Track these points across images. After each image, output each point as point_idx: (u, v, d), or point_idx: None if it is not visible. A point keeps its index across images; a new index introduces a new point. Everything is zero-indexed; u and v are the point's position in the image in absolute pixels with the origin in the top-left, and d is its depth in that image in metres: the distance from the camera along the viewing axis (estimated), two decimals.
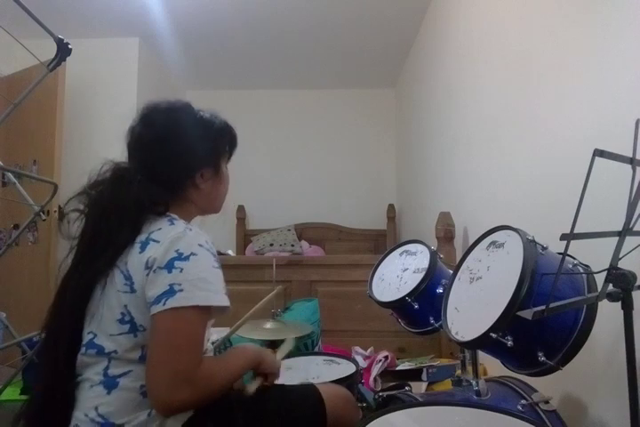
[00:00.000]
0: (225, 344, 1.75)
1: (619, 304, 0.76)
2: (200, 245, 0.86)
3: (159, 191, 0.93)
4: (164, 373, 0.79)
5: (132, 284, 0.84)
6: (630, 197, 0.75)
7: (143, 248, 0.85)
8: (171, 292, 0.80)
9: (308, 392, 1.01)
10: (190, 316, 0.81)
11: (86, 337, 0.87)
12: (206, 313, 0.84)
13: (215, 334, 1.92)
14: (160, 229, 0.88)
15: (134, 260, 0.85)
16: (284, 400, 1.00)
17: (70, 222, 0.93)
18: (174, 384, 0.78)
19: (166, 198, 0.94)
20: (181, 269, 0.82)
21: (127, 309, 0.84)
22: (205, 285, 0.83)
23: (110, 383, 0.83)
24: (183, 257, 0.83)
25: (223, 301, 0.85)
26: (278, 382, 1.21)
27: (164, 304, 0.80)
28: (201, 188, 1.00)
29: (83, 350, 0.87)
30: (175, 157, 0.97)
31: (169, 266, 0.82)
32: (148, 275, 0.83)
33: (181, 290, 0.80)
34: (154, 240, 0.86)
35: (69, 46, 1.59)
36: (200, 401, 0.82)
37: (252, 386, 0.96)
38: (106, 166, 0.96)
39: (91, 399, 0.84)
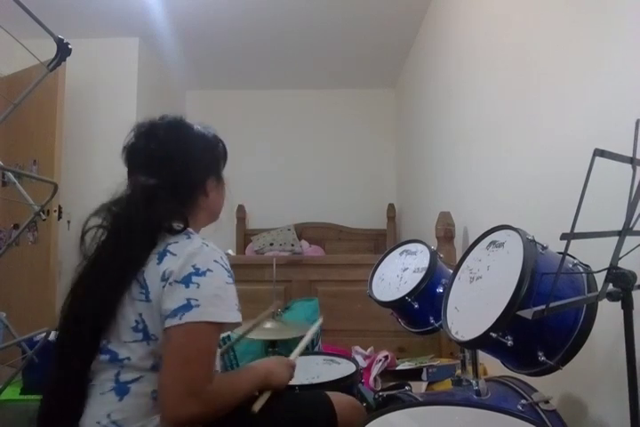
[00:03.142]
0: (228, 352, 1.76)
1: (619, 304, 0.76)
2: (216, 262, 0.88)
3: (177, 206, 0.95)
4: (177, 386, 0.79)
5: (148, 293, 0.85)
6: (630, 197, 0.75)
7: (160, 259, 0.87)
8: (187, 307, 0.82)
9: (321, 405, 1.02)
10: (203, 331, 0.83)
11: (100, 343, 0.87)
12: (218, 329, 0.86)
13: None
14: (177, 242, 0.90)
15: (151, 270, 0.86)
16: (296, 410, 1.01)
17: (88, 241, 0.92)
18: (185, 397, 0.79)
19: (183, 212, 0.96)
20: (198, 285, 0.84)
21: (142, 317, 0.85)
22: (219, 301, 0.85)
23: (122, 390, 0.84)
24: (200, 273, 0.85)
25: (236, 317, 0.88)
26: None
27: (180, 319, 0.81)
28: (210, 196, 1.03)
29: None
30: (189, 170, 1.00)
31: (186, 281, 0.84)
32: (164, 287, 0.84)
33: (198, 305, 0.82)
34: (171, 253, 0.88)
35: (69, 46, 1.58)
36: (208, 416, 0.83)
37: (257, 404, 0.95)
38: (126, 183, 0.97)
39: (102, 406, 0.84)
